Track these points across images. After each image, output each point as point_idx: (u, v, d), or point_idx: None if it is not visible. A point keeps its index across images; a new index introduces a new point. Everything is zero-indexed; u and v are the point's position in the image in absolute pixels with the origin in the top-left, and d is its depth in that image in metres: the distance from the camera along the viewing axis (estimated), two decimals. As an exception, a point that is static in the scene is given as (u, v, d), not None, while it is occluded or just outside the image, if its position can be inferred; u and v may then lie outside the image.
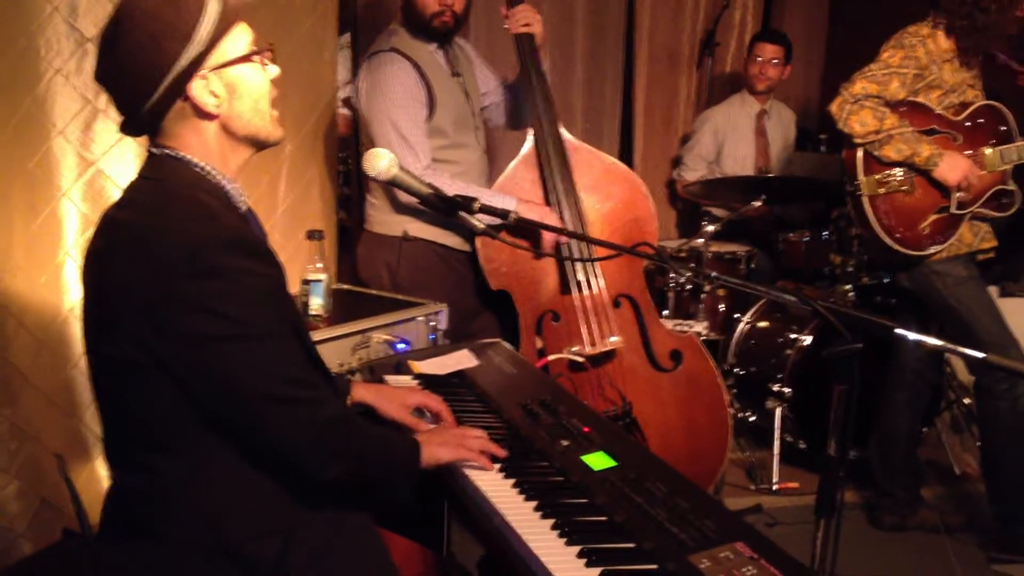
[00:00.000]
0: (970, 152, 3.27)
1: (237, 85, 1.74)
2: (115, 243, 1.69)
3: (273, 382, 1.64)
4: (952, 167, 3.21)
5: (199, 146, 1.74)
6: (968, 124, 3.29)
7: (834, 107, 3.23)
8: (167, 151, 1.74)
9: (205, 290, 1.58)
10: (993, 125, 3.32)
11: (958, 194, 3.24)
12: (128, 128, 1.77)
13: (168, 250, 1.59)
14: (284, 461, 1.70)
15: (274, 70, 1.81)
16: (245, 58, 1.75)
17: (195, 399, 1.63)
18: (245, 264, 1.62)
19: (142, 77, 1.66)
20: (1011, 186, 3.32)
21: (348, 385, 2.20)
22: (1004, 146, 3.29)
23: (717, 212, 4.69)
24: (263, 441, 1.68)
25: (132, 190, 1.77)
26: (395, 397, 2.19)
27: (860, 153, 3.26)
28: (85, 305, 1.76)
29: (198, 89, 1.69)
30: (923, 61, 3.21)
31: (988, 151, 3.28)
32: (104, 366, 1.72)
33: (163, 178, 1.73)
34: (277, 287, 1.71)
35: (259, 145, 1.83)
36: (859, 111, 3.17)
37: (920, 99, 3.26)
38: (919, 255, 3.29)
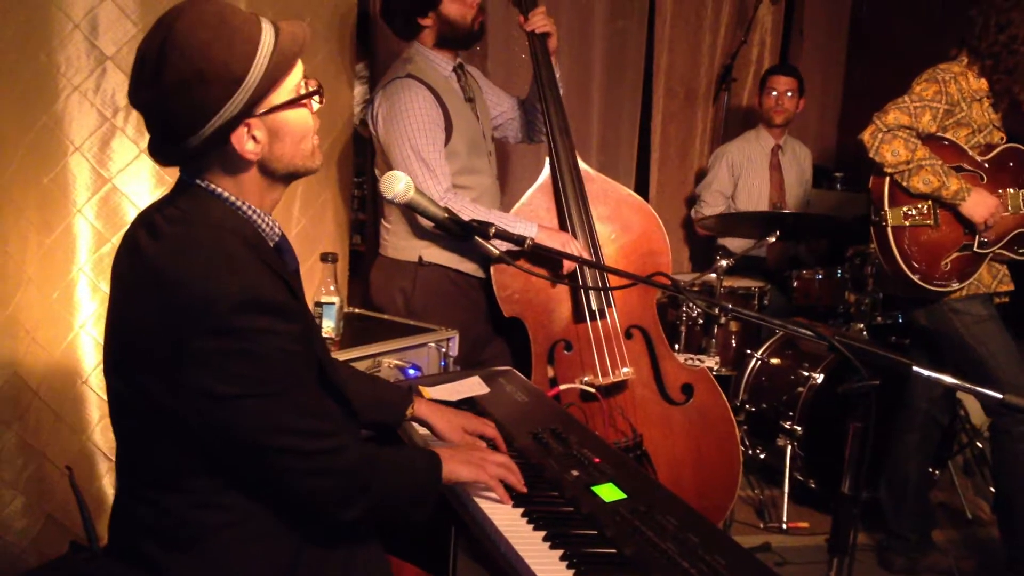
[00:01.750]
0: (994, 190, 3.26)
1: (280, 128, 1.68)
2: (138, 277, 1.65)
3: (289, 436, 1.61)
4: (979, 203, 3.20)
5: (233, 185, 1.69)
6: (994, 165, 3.28)
7: (866, 135, 3.22)
8: (199, 183, 1.69)
9: (219, 349, 1.54)
10: (1018, 168, 3.30)
11: (983, 232, 3.22)
12: (157, 157, 1.70)
13: (186, 302, 1.55)
14: (302, 508, 1.69)
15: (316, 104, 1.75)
16: (293, 103, 1.69)
17: (207, 447, 1.62)
18: (261, 323, 1.57)
19: (184, 117, 1.59)
20: None
21: (411, 397, 2.21)
22: None
23: (732, 248, 4.68)
24: (280, 490, 1.67)
25: (160, 217, 1.69)
26: (455, 419, 2.20)
27: (887, 183, 3.24)
28: (107, 324, 1.73)
29: (240, 137, 1.63)
30: (955, 97, 3.21)
31: (1012, 193, 3.27)
32: (118, 398, 1.71)
33: (192, 213, 1.66)
34: (296, 340, 1.64)
35: (297, 178, 1.79)
36: (891, 140, 3.16)
37: (948, 135, 3.25)
38: (938, 291, 3.27)
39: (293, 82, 1.69)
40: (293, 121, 1.70)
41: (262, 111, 1.64)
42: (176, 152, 1.65)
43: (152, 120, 1.64)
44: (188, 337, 1.53)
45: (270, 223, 1.75)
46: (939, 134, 3.24)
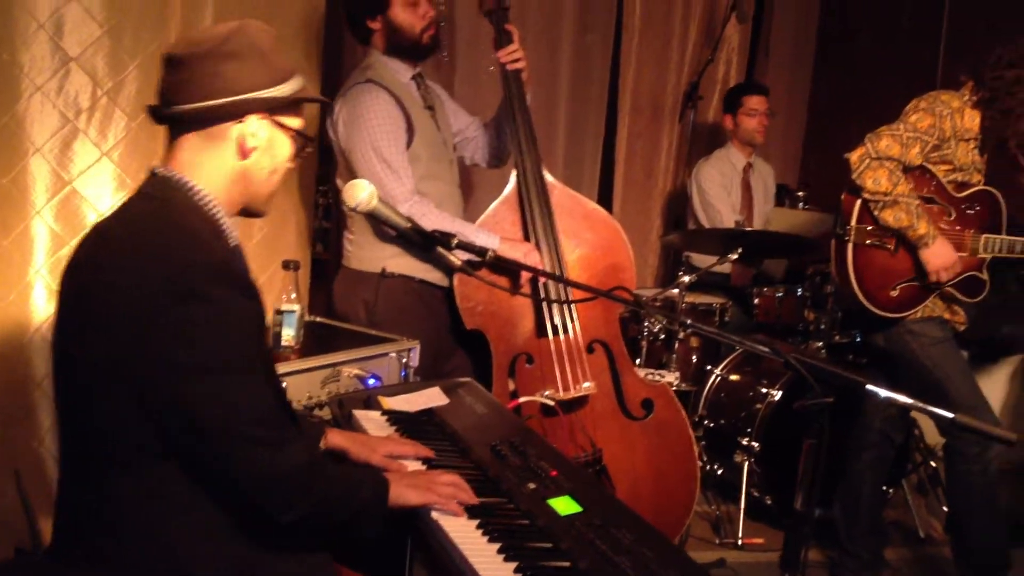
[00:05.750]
0: (959, 229, 3.28)
1: (274, 146, 1.81)
2: (101, 254, 1.68)
3: (237, 419, 1.62)
4: (939, 254, 3.21)
5: (211, 174, 1.76)
6: (964, 204, 3.30)
7: (854, 157, 3.20)
8: (173, 174, 1.74)
9: (182, 316, 1.57)
10: (986, 212, 3.32)
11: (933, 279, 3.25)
12: (161, 113, 1.77)
13: (152, 269, 1.59)
14: (242, 500, 1.68)
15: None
16: (292, 131, 1.83)
17: (158, 422, 1.61)
18: (226, 294, 1.61)
19: (218, 77, 1.71)
20: (984, 276, 3.33)
21: (321, 429, 2.16)
22: (990, 235, 3.30)
23: (697, 263, 4.69)
24: (222, 477, 1.66)
25: (127, 205, 1.76)
26: (369, 444, 2.13)
27: (859, 202, 3.26)
28: (59, 310, 1.72)
29: (254, 123, 1.76)
30: (947, 134, 3.21)
31: (974, 235, 3.29)
32: (71, 372, 1.69)
33: (161, 198, 1.72)
34: (255, 322, 1.70)
35: (247, 211, 1.88)
36: (877, 168, 3.16)
37: (930, 166, 3.26)
38: (883, 315, 3.30)
39: (297, 121, 1.86)
40: (281, 147, 1.84)
41: (276, 118, 1.79)
42: (183, 112, 1.72)
43: (179, 68, 1.72)
44: (154, 302, 1.56)
45: (231, 224, 1.80)
46: (922, 163, 3.25)
